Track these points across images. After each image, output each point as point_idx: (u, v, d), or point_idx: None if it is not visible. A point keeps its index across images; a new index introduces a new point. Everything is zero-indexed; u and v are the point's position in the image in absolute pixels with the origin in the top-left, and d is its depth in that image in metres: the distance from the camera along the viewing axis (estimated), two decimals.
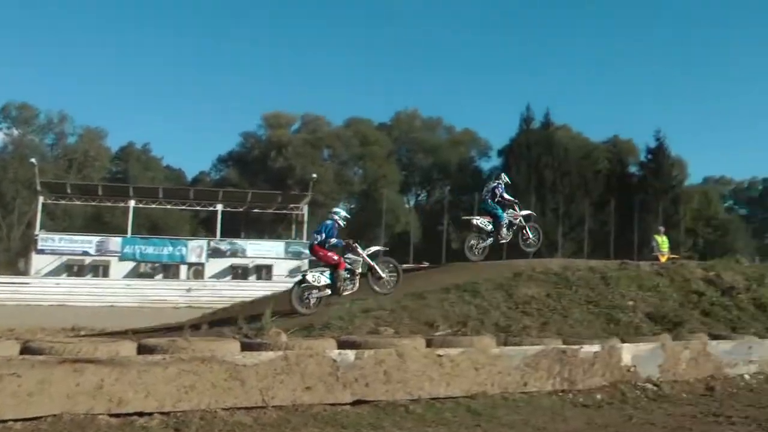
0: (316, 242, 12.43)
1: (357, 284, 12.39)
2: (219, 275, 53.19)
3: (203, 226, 70.42)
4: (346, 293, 12.15)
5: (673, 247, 24.25)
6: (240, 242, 57.25)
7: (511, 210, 15.78)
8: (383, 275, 12.53)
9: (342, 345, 8.07)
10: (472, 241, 15.42)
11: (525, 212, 16.42)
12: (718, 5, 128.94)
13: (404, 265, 14.56)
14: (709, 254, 40.13)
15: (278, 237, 63.31)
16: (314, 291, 11.97)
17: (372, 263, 12.54)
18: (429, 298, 11.01)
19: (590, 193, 63.50)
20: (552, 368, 8.92)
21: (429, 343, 8.47)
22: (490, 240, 15.43)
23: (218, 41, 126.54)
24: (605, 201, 60.87)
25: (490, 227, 15.36)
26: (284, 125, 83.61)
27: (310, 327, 9.61)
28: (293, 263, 54.29)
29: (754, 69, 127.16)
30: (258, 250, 56.29)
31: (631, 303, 11.96)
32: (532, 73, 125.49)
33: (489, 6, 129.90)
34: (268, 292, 18.31)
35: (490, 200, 15.63)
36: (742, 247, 64.99)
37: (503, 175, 16.43)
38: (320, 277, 12.02)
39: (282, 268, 53.78)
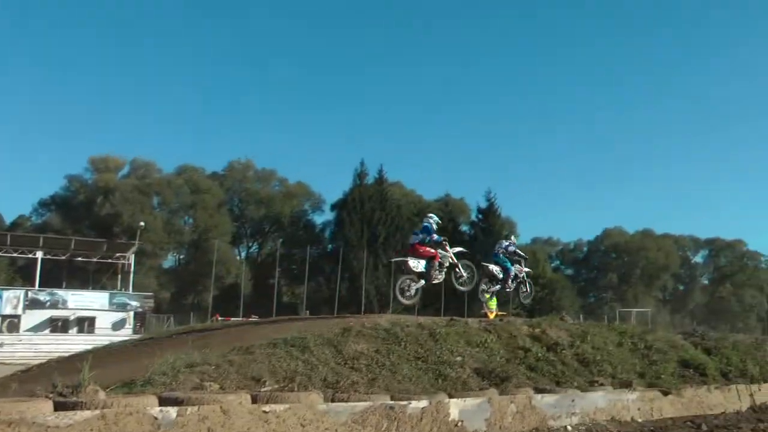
0: (416, 241, 15.14)
1: (444, 275, 15.26)
2: (36, 328, 50.06)
3: (21, 275, 66.54)
4: (435, 282, 15.12)
5: (502, 305, 24.99)
6: (61, 293, 54.06)
7: (518, 265, 18.45)
8: (464, 274, 15.87)
9: (164, 401, 7.70)
10: (483, 286, 17.67)
11: (527, 269, 19.02)
12: (545, 67, 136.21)
13: (233, 319, 14.68)
14: (536, 312, 41.57)
15: (102, 287, 60.41)
16: (413, 283, 14.76)
17: (456, 261, 15.60)
18: (256, 353, 10.74)
19: None
20: (380, 424, 8.84)
21: (255, 399, 8.23)
22: (497, 287, 17.95)
23: (43, 74, 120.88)
24: None
25: (501, 276, 17.89)
26: (112, 169, 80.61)
27: (132, 383, 9.13)
28: (118, 315, 52.35)
29: (580, 136, 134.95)
30: (80, 301, 53.31)
31: (459, 359, 12.10)
32: (365, 129, 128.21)
33: (323, 64, 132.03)
34: (90, 346, 17.49)
35: (501, 254, 18.25)
36: (567, 305, 68.07)
37: (513, 237, 20.44)
38: (418, 264, 14.77)
39: (106, 320, 51.66)
